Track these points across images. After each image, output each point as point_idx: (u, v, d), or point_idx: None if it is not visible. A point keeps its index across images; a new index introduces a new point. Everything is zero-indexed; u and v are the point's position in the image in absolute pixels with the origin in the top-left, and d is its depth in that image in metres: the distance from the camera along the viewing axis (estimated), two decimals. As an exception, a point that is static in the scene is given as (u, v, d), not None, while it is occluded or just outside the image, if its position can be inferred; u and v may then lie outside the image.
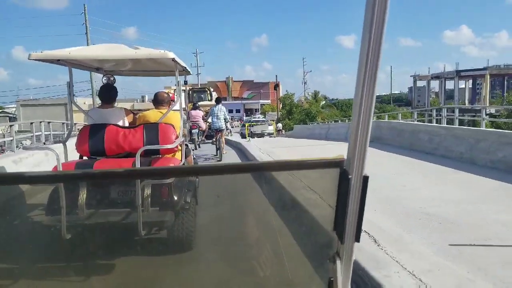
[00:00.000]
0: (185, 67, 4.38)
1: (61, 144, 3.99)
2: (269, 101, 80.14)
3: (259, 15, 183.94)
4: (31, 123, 15.58)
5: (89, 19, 35.51)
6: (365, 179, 0.80)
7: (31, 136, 14.17)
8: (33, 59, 3.43)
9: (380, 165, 7.27)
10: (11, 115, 55.36)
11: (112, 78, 4.41)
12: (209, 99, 16.66)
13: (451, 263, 2.87)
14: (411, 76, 41.68)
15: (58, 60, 3.70)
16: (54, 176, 1.08)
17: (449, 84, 49.74)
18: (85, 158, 3.87)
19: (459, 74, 31.48)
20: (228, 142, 16.67)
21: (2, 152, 17.85)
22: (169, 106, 4.42)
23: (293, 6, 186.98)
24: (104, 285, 2.97)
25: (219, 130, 10.38)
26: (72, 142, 4.01)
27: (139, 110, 6.14)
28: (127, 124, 4.12)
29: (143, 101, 50.87)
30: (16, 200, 4.93)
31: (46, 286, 2.82)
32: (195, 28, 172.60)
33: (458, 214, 4.28)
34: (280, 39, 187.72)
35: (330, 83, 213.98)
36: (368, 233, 3.42)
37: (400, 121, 13.41)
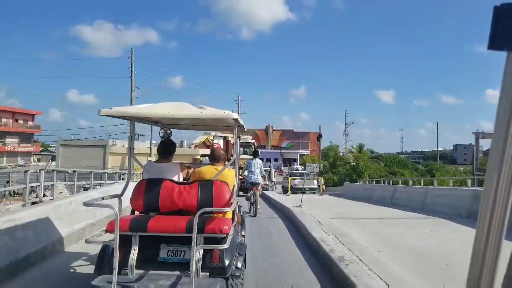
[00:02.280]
0: (243, 125, 4.27)
1: (117, 198, 3.91)
2: (308, 151, 77.56)
3: (299, 68, 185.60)
4: (74, 171, 16.69)
5: (136, 65, 35.60)
6: None
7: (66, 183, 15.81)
8: (102, 115, 3.49)
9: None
10: (54, 154, 56.08)
11: (169, 132, 4.60)
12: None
13: None
14: (473, 133, 37.38)
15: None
16: None
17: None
18: (137, 213, 3.83)
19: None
20: (271, 203, 13.98)
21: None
22: (224, 163, 4.42)
23: (331, 61, 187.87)
24: None
25: (255, 184, 10.11)
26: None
27: (190, 163, 6.31)
28: (181, 179, 4.21)
29: (181, 146, 50.02)
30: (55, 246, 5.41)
31: None
32: (236, 78, 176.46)
33: None
34: (318, 91, 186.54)
35: (369, 137, 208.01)
36: None
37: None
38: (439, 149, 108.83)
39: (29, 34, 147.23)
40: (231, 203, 3.67)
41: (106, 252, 3.31)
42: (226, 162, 4.51)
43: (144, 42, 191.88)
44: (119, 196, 3.92)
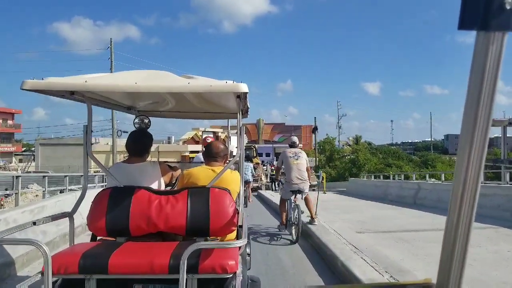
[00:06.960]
0: (248, 107, 3.29)
1: (67, 218, 2.86)
2: (301, 145, 75.45)
3: (284, 61, 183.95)
4: (44, 176, 15.14)
5: (118, 58, 32.96)
6: None
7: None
8: (27, 89, 2.33)
9: None
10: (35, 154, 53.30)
11: (146, 121, 3.56)
12: (255, 155, 16.47)
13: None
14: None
15: (72, 93, 2.70)
16: None
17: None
18: (100, 238, 2.78)
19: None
20: (272, 208, 11.81)
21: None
22: (225, 162, 3.25)
23: (316, 54, 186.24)
24: None
25: (247, 182, 12.63)
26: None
27: (177, 162, 4.85)
28: (163, 186, 3.12)
29: (169, 142, 47.67)
30: None
31: None
32: (222, 72, 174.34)
33: None
34: (305, 85, 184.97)
35: (358, 129, 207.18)
36: None
37: None
38: (427, 139, 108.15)
39: (7, 31, 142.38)
40: (240, 226, 2.61)
41: None
42: (228, 161, 3.34)
43: (125, 38, 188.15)
44: (69, 215, 2.87)
